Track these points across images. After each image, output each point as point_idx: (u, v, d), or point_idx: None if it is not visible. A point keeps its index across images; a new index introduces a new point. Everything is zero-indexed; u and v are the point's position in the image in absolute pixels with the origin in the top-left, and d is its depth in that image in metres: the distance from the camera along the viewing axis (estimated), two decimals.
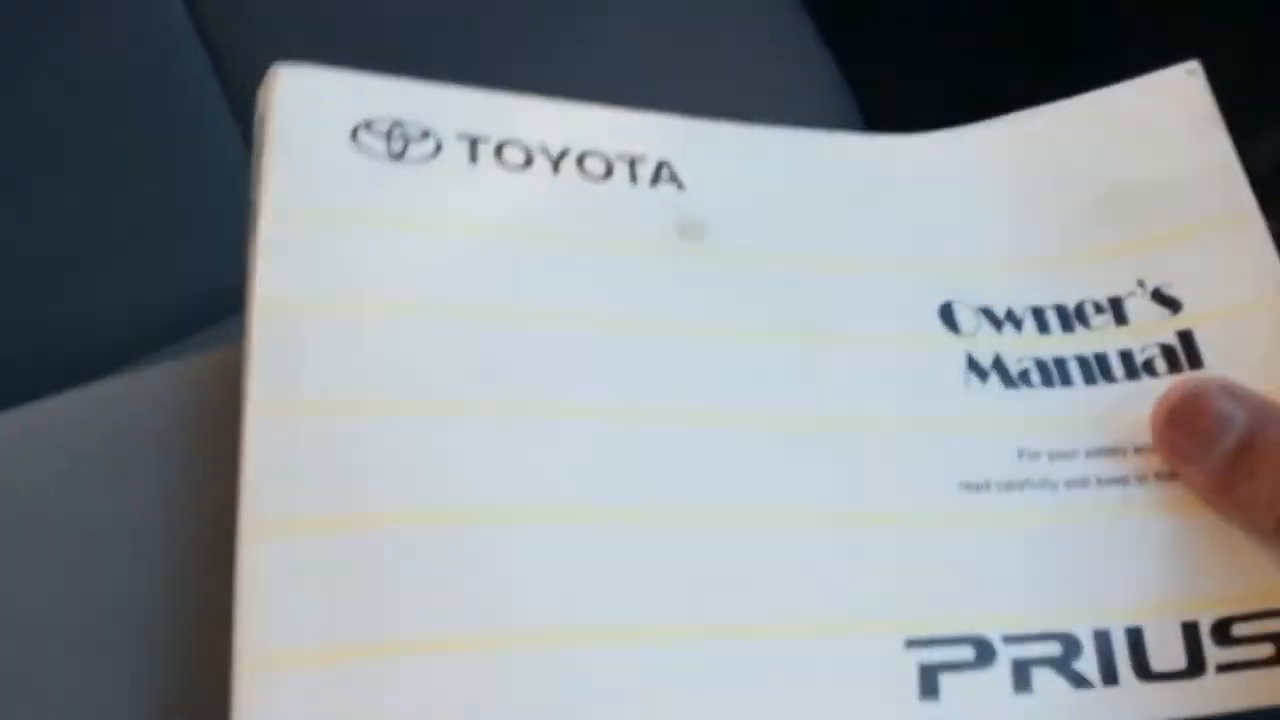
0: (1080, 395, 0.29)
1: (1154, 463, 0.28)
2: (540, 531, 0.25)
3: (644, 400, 0.27)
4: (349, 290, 0.26)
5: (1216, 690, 0.26)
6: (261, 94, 0.28)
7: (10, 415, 0.28)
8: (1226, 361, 0.29)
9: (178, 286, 0.51)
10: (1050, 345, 0.29)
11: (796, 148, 0.31)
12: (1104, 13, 0.63)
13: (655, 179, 0.29)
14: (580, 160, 0.29)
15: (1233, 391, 0.27)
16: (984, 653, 0.25)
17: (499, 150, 0.29)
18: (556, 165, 0.29)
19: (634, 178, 0.29)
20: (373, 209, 0.27)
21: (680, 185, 0.30)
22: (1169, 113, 0.32)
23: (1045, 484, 0.28)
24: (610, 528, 0.25)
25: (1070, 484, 0.28)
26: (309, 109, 0.28)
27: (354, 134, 0.28)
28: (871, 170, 0.31)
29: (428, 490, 0.25)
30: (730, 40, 0.57)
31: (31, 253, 0.51)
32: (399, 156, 0.28)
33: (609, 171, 0.29)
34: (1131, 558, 0.27)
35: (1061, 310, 0.30)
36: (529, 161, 0.29)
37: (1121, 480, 0.28)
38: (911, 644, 0.25)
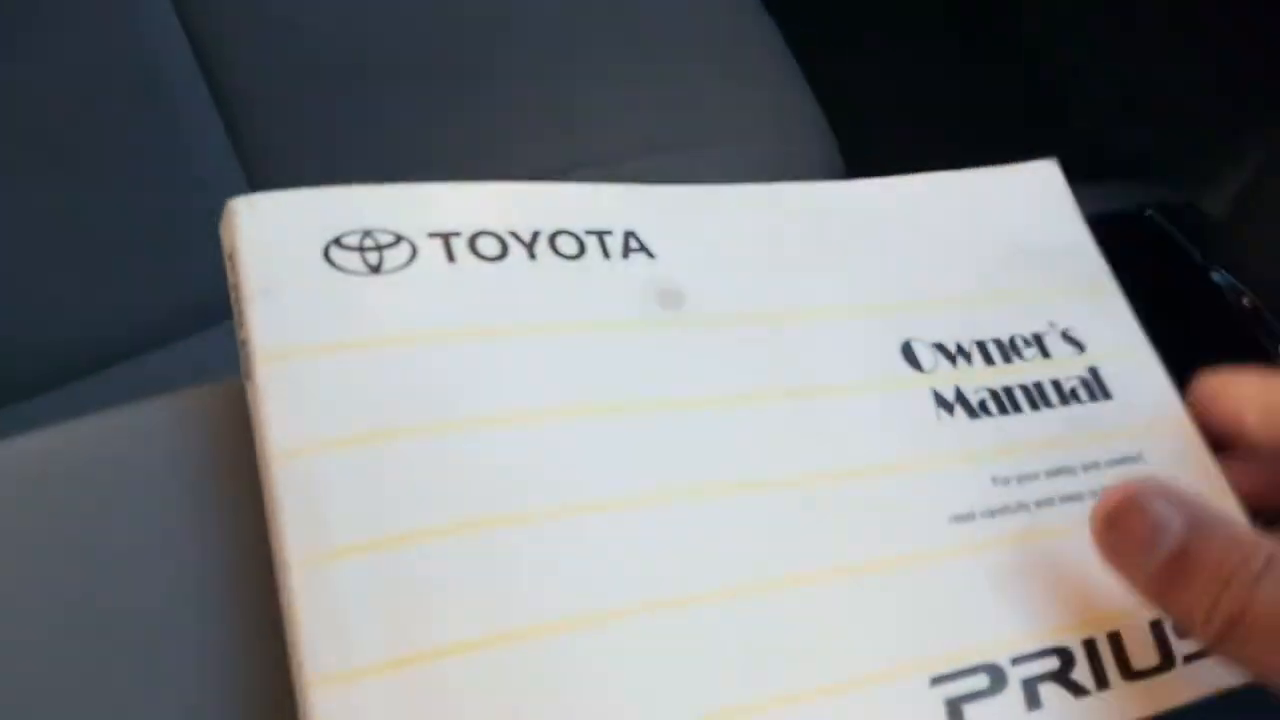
0: (1030, 420, 0.31)
1: (1103, 478, 0.30)
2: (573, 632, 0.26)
3: (653, 484, 0.27)
4: (359, 421, 0.26)
5: (1188, 679, 0.28)
6: (224, 231, 0.28)
7: (22, 440, 0.29)
8: (1128, 394, 0.33)
9: (162, 294, 0.52)
10: (996, 375, 0.32)
11: (748, 203, 0.32)
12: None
13: (626, 251, 0.30)
14: (552, 241, 0.29)
15: (1169, 496, 0.27)
16: (997, 678, 0.27)
17: (473, 244, 0.29)
18: (532, 250, 0.29)
19: (606, 252, 0.30)
20: (364, 333, 0.27)
21: (650, 254, 0.30)
22: (1035, 196, 0.36)
23: (1021, 507, 0.30)
24: (632, 624, 0.26)
25: (1040, 504, 0.30)
26: (276, 239, 0.27)
27: (326, 253, 0.28)
28: (820, 219, 0.33)
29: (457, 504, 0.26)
30: (712, 71, 0.57)
31: (12, 257, 0.51)
32: (376, 269, 0.28)
33: (582, 249, 0.29)
34: (1102, 569, 0.28)
35: (999, 343, 0.32)
36: (505, 250, 0.29)
37: (1078, 497, 0.30)
38: (936, 681, 0.27)
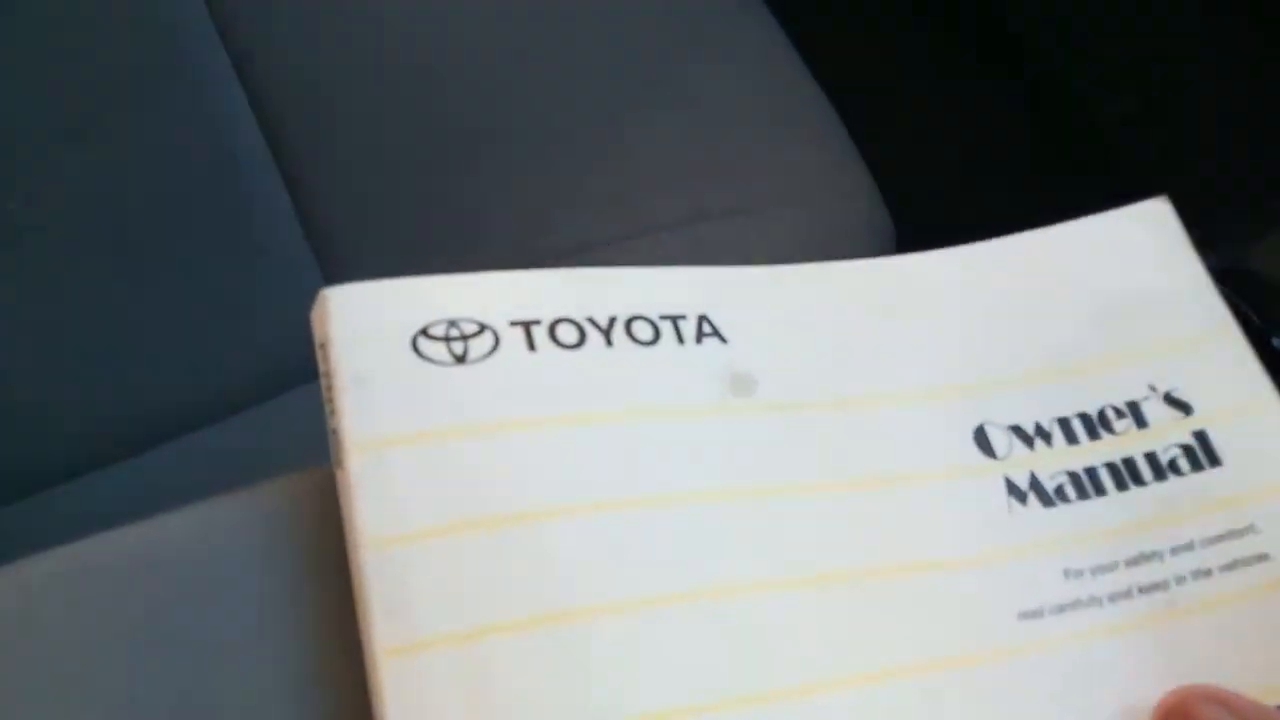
0: (1114, 503, 0.30)
1: (1198, 560, 0.29)
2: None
3: (726, 576, 0.27)
4: (448, 511, 0.27)
5: None
6: (316, 320, 0.29)
7: (117, 534, 0.29)
8: (1244, 457, 0.31)
9: (234, 362, 0.53)
10: (1080, 456, 0.30)
11: (820, 282, 0.32)
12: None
13: (699, 336, 0.30)
14: (629, 327, 0.30)
15: (1222, 700, 0.27)
16: None
17: (553, 331, 0.29)
18: (609, 337, 0.30)
19: (680, 338, 0.30)
20: (451, 423, 0.28)
21: (723, 339, 0.30)
22: (1146, 239, 0.34)
23: (1092, 602, 0.29)
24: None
25: (1114, 597, 0.29)
26: (367, 330, 0.28)
27: (414, 343, 0.28)
28: (892, 296, 0.32)
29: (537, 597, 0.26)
30: (757, 134, 0.58)
31: (87, 328, 0.52)
32: (462, 359, 0.28)
33: (656, 335, 0.30)
34: (1181, 663, 0.28)
35: (1086, 419, 0.31)
36: (583, 338, 0.29)
37: (1162, 585, 0.29)
38: None
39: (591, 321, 0.30)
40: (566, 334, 0.29)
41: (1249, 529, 0.30)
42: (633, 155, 0.58)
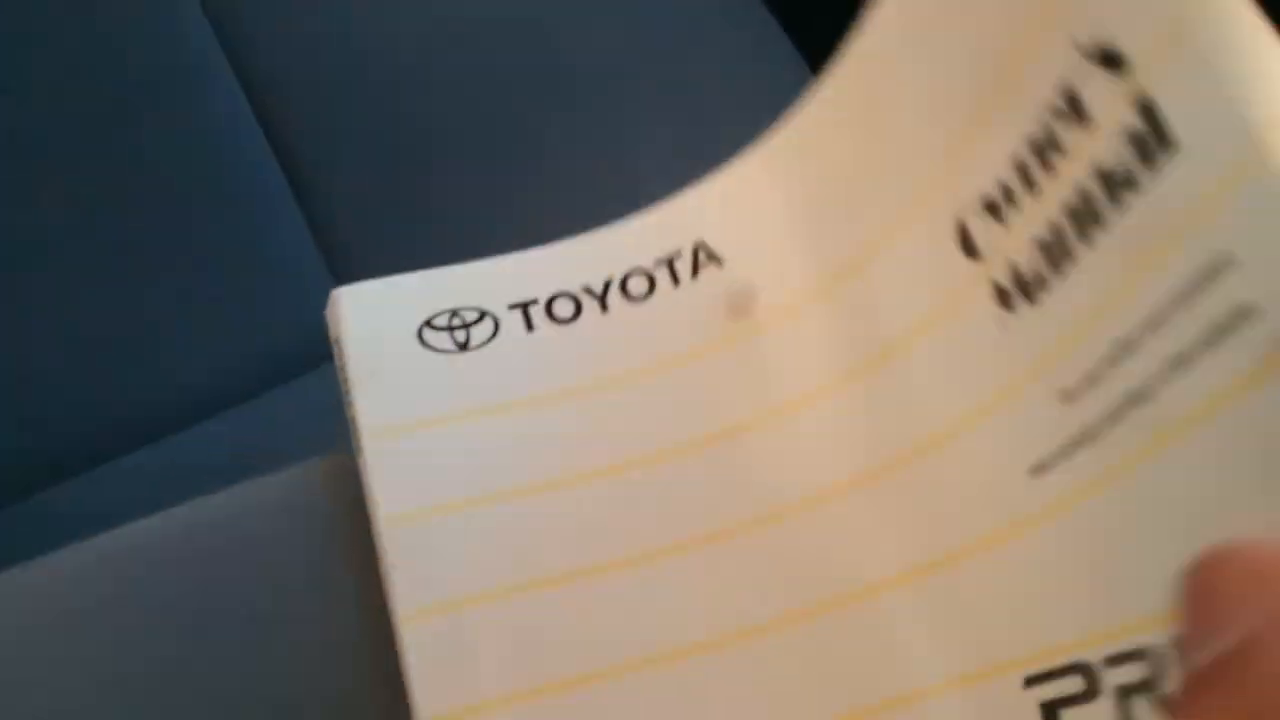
0: (1084, 269, 0.21)
1: (1169, 341, 0.20)
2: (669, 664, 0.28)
3: (735, 512, 0.28)
4: (458, 488, 0.29)
5: None
6: (330, 319, 0.31)
7: (152, 520, 0.31)
8: (1199, 127, 0.19)
9: (244, 347, 0.55)
10: (1041, 206, 0.22)
11: (791, 151, 0.31)
12: None
13: (695, 269, 0.31)
14: (624, 285, 0.31)
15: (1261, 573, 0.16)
16: (1091, 681, 0.22)
17: (549, 308, 0.31)
18: (604, 302, 0.31)
19: (675, 279, 0.31)
20: (456, 407, 0.30)
21: (720, 262, 0.31)
22: None
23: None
24: (731, 652, 0.27)
25: (1105, 419, 0.21)
26: (376, 325, 0.31)
27: (420, 334, 0.31)
28: (859, 112, 0.28)
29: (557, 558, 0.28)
30: (759, 128, 0.60)
31: (96, 318, 0.55)
32: (464, 345, 0.31)
33: (652, 286, 0.31)
34: (1180, 514, 0.20)
35: (1033, 143, 0.22)
36: (578, 310, 0.31)
37: (1146, 394, 0.20)
38: (1030, 682, 0.23)
39: (587, 290, 0.31)
40: (562, 309, 0.31)
41: (1227, 262, 0.19)
42: (634, 155, 0.58)
